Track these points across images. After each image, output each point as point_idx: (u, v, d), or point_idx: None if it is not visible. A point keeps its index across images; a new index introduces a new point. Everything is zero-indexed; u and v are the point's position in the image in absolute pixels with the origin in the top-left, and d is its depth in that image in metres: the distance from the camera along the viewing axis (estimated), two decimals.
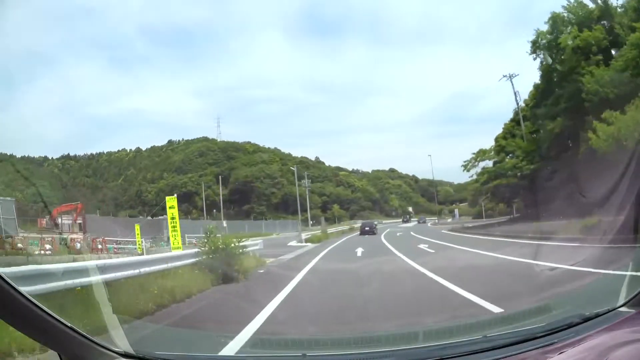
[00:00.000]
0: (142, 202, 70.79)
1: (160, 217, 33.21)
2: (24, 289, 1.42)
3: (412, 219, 70.04)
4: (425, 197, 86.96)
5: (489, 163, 31.98)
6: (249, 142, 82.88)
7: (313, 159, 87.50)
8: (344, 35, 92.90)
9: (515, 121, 30.74)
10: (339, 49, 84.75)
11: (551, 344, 1.93)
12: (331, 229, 39.59)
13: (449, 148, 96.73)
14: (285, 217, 61.17)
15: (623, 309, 2.14)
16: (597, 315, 2.16)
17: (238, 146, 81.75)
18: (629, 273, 3.50)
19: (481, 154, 32.33)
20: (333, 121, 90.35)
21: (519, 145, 28.23)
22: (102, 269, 6.08)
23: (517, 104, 30.85)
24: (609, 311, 2.17)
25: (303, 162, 77.76)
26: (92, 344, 1.73)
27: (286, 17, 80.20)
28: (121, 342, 2.06)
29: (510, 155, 29.15)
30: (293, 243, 25.79)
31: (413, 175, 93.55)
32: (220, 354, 3.56)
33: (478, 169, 32.31)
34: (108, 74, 76.15)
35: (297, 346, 3.51)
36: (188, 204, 63.72)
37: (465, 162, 32.53)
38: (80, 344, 1.66)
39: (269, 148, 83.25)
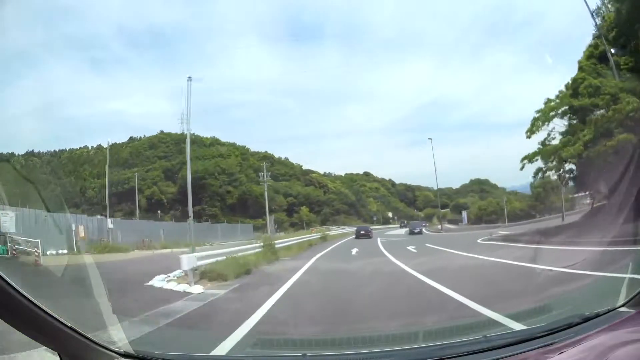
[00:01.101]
0: (86, 200, 59.44)
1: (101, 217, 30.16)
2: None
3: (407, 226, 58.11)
4: (404, 202, 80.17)
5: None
6: (213, 138, 71.65)
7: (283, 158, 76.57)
8: (319, 41, 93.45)
9: (595, 57, 18.37)
10: (314, 55, 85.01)
11: (551, 344, 1.93)
12: (290, 240, 22.89)
13: (423, 155, 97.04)
14: (243, 221, 51.93)
15: (623, 309, 2.14)
16: (597, 315, 2.16)
17: (193, 138, 68.20)
18: (628, 275, 3.50)
19: (560, 102, 19.35)
20: (306, 127, 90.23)
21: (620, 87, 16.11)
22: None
23: (596, 26, 18.99)
24: (609, 311, 2.17)
25: (267, 158, 68.07)
26: (92, 343, 1.73)
27: (263, 22, 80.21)
28: (121, 342, 2.06)
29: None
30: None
31: (390, 179, 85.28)
32: (220, 353, 3.56)
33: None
34: (84, 75, 75.17)
35: (297, 346, 3.51)
36: (130, 203, 53.11)
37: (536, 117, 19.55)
38: (80, 343, 1.66)
39: (227, 142, 71.49)
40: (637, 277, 3.34)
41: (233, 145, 70.54)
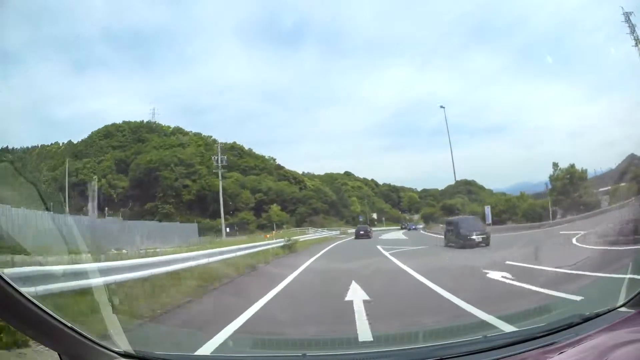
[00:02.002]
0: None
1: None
2: (24, 289, 1.42)
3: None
4: (389, 203, 73.01)
5: None
6: (176, 127, 62.18)
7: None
8: (298, 45, 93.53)
9: None
10: (294, 59, 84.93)
11: (551, 344, 1.93)
12: (239, 249, 13.72)
13: (404, 158, 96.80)
14: (201, 221, 42.21)
15: (623, 309, 2.14)
16: (597, 315, 2.16)
17: (153, 126, 59.31)
18: (628, 275, 3.51)
19: None
20: (285, 130, 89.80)
21: None
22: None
23: None
24: (609, 311, 2.17)
25: (234, 149, 59.69)
26: (92, 344, 1.73)
27: (243, 25, 79.92)
28: (121, 342, 2.06)
29: None
30: None
31: (372, 180, 77.66)
32: (220, 353, 3.56)
33: None
34: (67, 76, 74.49)
35: (297, 346, 3.51)
36: (80, 198, 44.58)
37: None
38: (81, 344, 1.66)
39: (190, 131, 62.15)
40: (637, 277, 3.34)
41: (198, 135, 61.05)
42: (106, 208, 44.24)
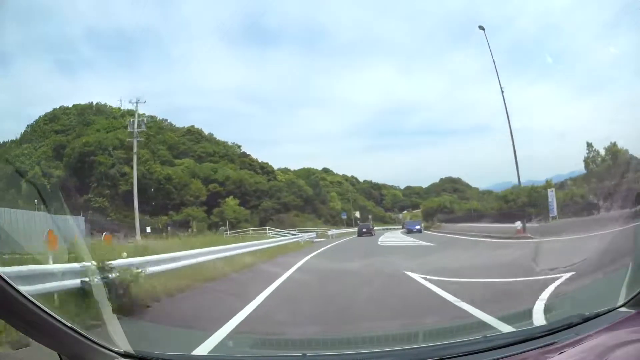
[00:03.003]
0: None
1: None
2: (23, 288, 1.42)
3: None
4: (371, 201, 66.52)
5: None
6: (128, 110, 49.26)
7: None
8: (280, 45, 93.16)
9: None
10: (275, 59, 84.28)
11: (551, 344, 1.93)
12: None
13: (385, 158, 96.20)
14: (141, 217, 33.26)
15: (623, 309, 2.14)
16: (597, 315, 2.16)
17: (101, 107, 50.40)
18: (628, 274, 3.50)
19: None
20: (264, 130, 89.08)
21: None
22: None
23: None
24: (609, 311, 2.17)
25: (191, 132, 52.43)
26: (92, 343, 1.73)
27: (224, 25, 79.42)
28: (121, 341, 2.06)
29: None
30: None
31: (352, 176, 69.54)
32: (220, 353, 3.57)
33: None
34: (52, 76, 73.49)
35: (297, 346, 3.51)
36: (15, 190, 35.03)
37: None
38: (80, 343, 1.66)
39: (144, 113, 48.99)
40: (637, 277, 3.34)
41: (153, 118, 50.90)
42: (35, 200, 31.77)
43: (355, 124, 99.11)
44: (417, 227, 34.12)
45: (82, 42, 73.27)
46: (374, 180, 70.94)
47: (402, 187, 74.19)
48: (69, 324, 1.59)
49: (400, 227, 47.35)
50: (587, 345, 1.79)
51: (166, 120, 54.03)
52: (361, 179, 70.18)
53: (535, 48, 67.19)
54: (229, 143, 55.83)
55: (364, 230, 35.23)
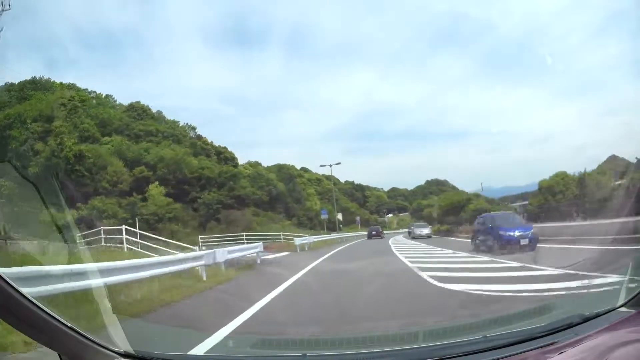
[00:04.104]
0: None
1: None
2: (25, 290, 1.42)
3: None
4: (355, 203, 59.84)
5: None
6: (71, 84, 42.41)
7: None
8: (262, 48, 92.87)
9: None
10: (257, 62, 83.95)
11: (551, 344, 1.93)
12: None
13: (367, 161, 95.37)
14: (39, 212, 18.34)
15: (623, 309, 2.15)
16: (597, 315, 2.16)
17: (43, 82, 41.80)
18: (628, 274, 3.51)
19: None
20: (245, 133, 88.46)
21: None
22: None
23: None
24: (609, 311, 2.17)
25: (135, 109, 42.58)
26: (92, 343, 1.73)
27: (208, 27, 79.11)
28: (121, 342, 2.06)
29: None
30: None
31: (331, 175, 57.91)
32: (220, 353, 3.57)
33: None
34: (35, 74, 72.96)
35: (297, 346, 3.51)
36: None
37: None
38: (80, 343, 1.66)
39: (87, 89, 42.88)
40: (637, 277, 3.34)
41: (98, 95, 43.33)
42: None
43: (337, 127, 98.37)
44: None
45: (67, 40, 72.83)
46: (356, 182, 65.55)
47: (387, 189, 71.04)
48: (69, 324, 1.59)
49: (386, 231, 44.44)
50: (587, 345, 1.79)
51: (111, 96, 43.81)
52: (342, 180, 63.33)
53: (520, 52, 67.63)
54: (181, 123, 44.72)
55: (373, 233, 36.16)
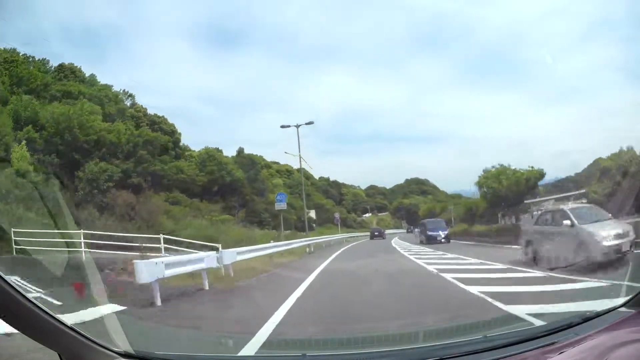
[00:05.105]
0: None
1: None
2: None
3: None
4: (331, 200, 54.23)
5: None
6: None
7: None
8: (242, 48, 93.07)
9: None
10: (236, 62, 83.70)
11: (551, 344, 1.93)
12: None
13: (343, 162, 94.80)
14: None
15: (623, 309, 2.14)
16: (597, 315, 2.16)
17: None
18: (628, 274, 3.52)
19: None
20: (223, 133, 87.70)
21: None
22: None
23: None
24: (609, 311, 2.17)
25: (62, 69, 34.30)
26: (92, 343, 1.73)
27: (191, 26, 78.58)
28: (121, 342, 2.06)
29: None
30: None
31: (304, 169, 52.86)
32: (220, 354, 3.56)
33: None
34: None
35: (297, 346, 3.51)
36: None
37: None
38: (80, 344, 1.66)
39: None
40: (637, 277, 3.35)
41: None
42: None
43: (315, 128, 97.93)
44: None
45: (49, 35, 71.95)
46: (332, 178, 59.79)
47: (364, 187, 66.83)
48: (69, 324, 1.59)
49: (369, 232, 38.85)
50: (587, 345, 1.79)
51: (45, 59, 34.60)
52: (316, 176, 56.52)
53: (500, 57, 67.73)
54: (115, 89, 35.36)
55: (376, 233, 37.09)
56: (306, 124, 28.23)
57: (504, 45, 68.40)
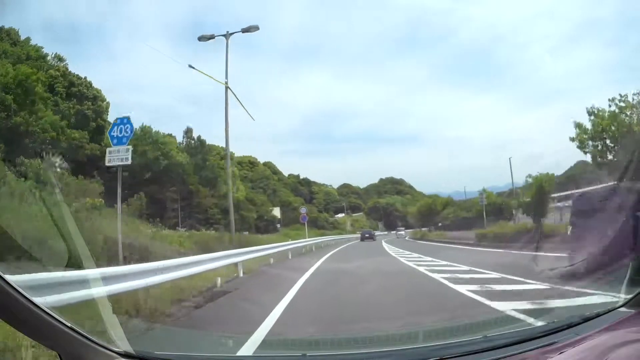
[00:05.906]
0: None
1: None
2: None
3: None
4: (302, 197, 50.19)
5: None
6: None
7: None
8: (219, 46, 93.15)
9: None
10: (215, 60, 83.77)
11: (551, 344, 1.93)
12: None
13: (318, 162, 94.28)
14: None
15: (623, 309, 2.14)
16: (597, 315, 2.16)
17: None
18: (628, 274, 3.51)
19: None
20: (197, 131, 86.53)
21: None
22: None
23: None
24: (609, 311, 2.17)
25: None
26: (92, 343, 1.73)
27: (170, 24, 77.92)
28: (121, 342, 2.05)
29: None
30: None
31: (274, 164, 51.14)
32: (220, 354, 3.56)
33: None
34: None
35: (297, 346, 3.51)
36: None
37: None
38: (80, 344, 1.65)
39: None
40: (636, 277, 3.34)
41: None
42: None
43: (289, 127, 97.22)
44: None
45: (39, 34, 70.53)
46: (302, 176, 56.24)
47: (336, 185, 63.69)
48: (69, 324, 1.59)
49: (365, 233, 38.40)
50: (587, 345, 1.79)
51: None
52: (286, 173, 53.28)
53: (483, 59, 67.70)
54: (46, 52, 28.25)
55: (366, 235, 38.04)
56: (244, 30, 17.49)
57: (487, 47, 68.80)
